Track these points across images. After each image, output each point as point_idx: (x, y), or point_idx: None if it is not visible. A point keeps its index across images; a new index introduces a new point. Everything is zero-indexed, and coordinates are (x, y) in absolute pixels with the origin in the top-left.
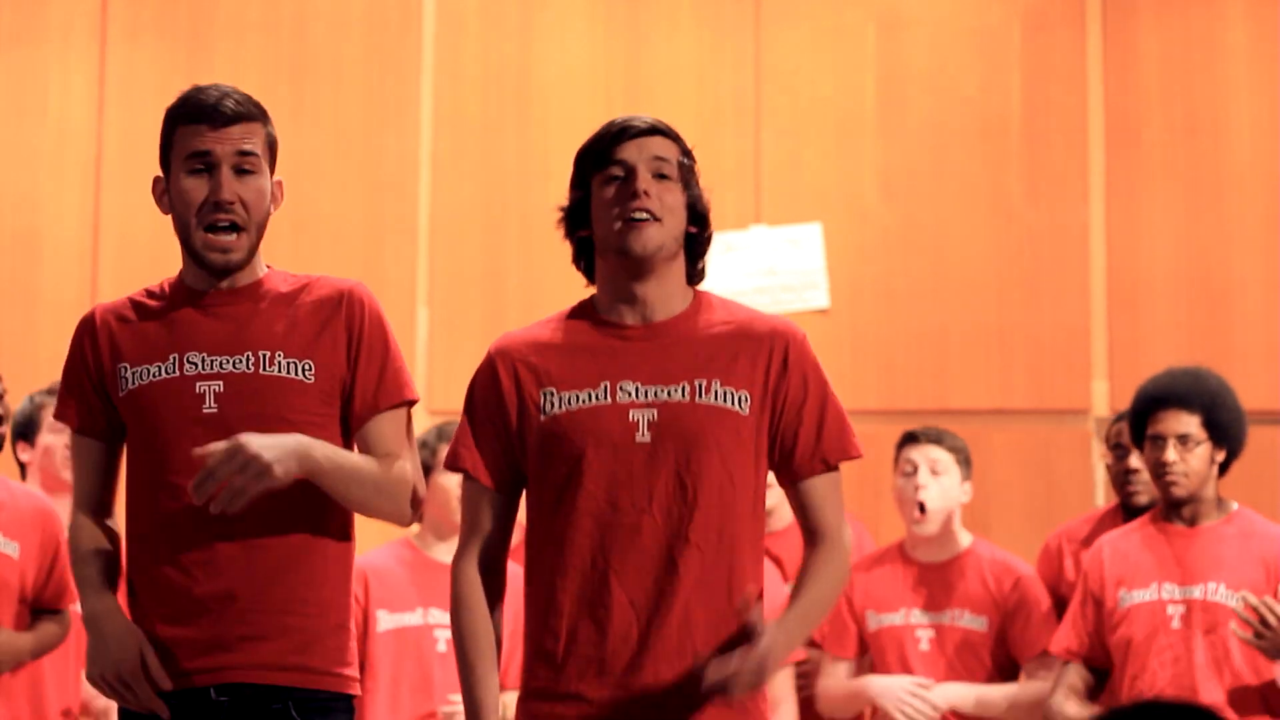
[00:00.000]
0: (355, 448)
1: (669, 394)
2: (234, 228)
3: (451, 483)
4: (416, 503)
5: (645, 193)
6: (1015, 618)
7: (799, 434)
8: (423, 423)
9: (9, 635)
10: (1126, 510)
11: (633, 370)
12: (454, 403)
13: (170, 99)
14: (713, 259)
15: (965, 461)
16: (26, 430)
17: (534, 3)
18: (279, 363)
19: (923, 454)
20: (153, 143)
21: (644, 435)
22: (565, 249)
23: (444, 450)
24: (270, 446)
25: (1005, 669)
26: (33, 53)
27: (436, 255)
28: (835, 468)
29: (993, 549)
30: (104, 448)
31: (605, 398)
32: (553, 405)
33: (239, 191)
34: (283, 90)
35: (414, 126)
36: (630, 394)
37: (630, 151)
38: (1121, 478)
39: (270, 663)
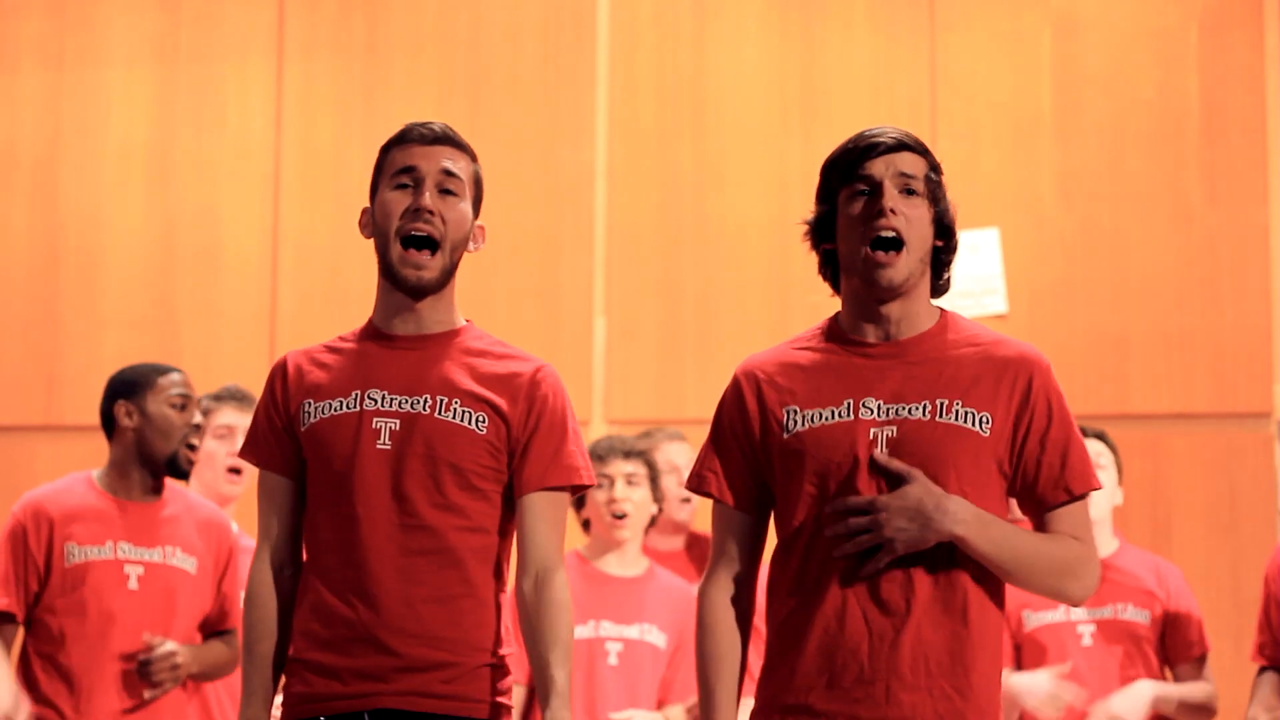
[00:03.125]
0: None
1: (910, 412)
2: (430, 242)
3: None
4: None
5: (892, 210)
6: (1173, 616)
7: (1041, 462)
8: (601, 432)
9: (198, 647)
10: None
11: (875, 388)
12: (631, 412)
13: (347, 112)
14: None
15: (1119, 466)
16: None
17: (708, 11)
18: (454, 409)
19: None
20: (330, 155)
21: (883, 452)
22: (740, 257)
23: (613, 463)
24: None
25: (1165, 664)
26: (211, 68)
27: (613, 265)
28: (1080, 498)
29: (1139, 550)
30: (289, 485)
31: (847, 414)
32: (795, 423)
33: (440, 208)
34: (458, 102)
35: (589, 137)
36: (872, 411)
37: (878, 167)
38: None
39: (422, 690)
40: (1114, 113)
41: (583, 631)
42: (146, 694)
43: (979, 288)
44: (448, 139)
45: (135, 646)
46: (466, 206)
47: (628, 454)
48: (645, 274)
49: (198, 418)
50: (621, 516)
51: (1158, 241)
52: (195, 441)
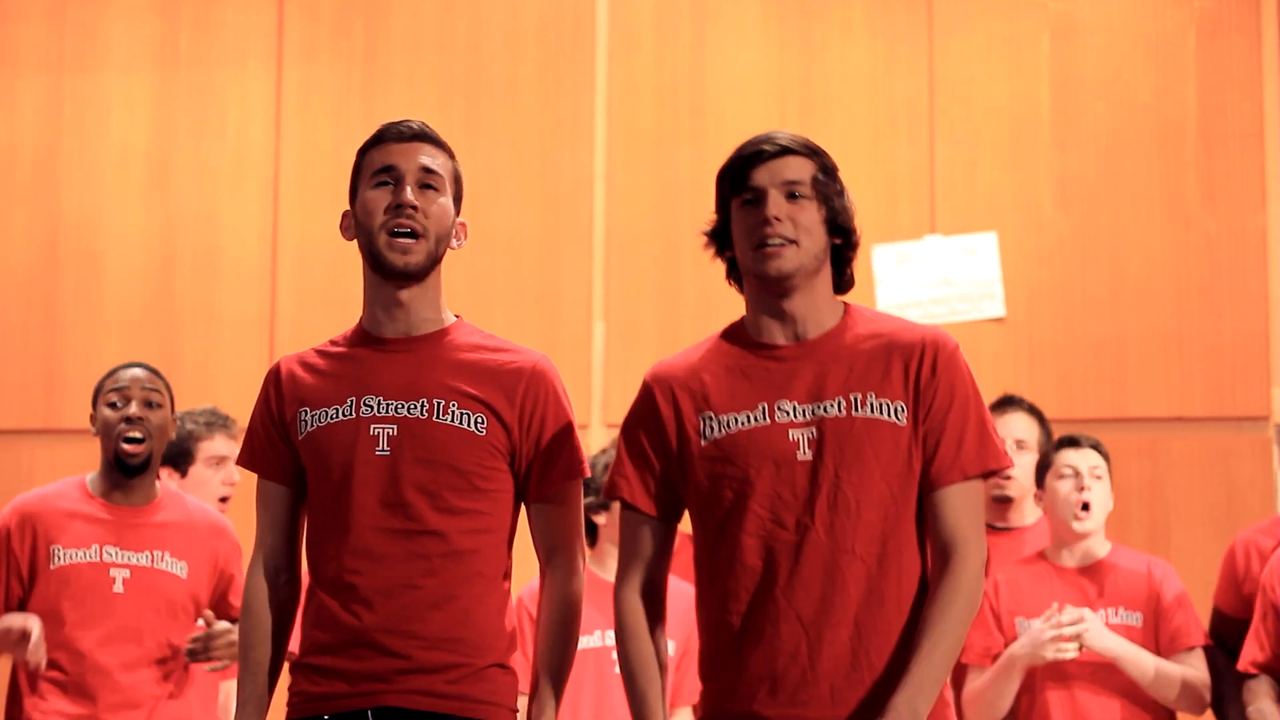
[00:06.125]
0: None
1: (826, 410)
2: (413, 234)
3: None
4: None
5: (776, 219)
6: (1162, 612)
7: (941, 442)
8: (600, 436)
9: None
10: None
11: (789, 389)
12: None
13: (346, 116)
14: (888, 270)
15: (1110, 472)
16: (178, 458)
17: (707, 15)
18: (452, 412)
19: (1084, 458)
20: (329, 160)
21: (805, 453)
22: None
23: None
24: None
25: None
26: (211, 73)
27: (612, 269)
28: (974, 478)
29: (1131, 550)
30: (288, 493)
31: (764, 418)
32: (713, 430)
33: (421, 203)
34: (458, 107)
35: (588, 141)
36: (789, 413)
37: (762, 176)
38: None
39: (426, 690)
40: (1112, 118)
41: (591, 641)
42: (208, 668)
43: (977, 292)
44: (425, 136)
45: (122, 649)
46: (447, 201)
47: None
48: (644, 278)
49: (134, 408)
50: None
51: (1155, 246)
52: (136, 434)
